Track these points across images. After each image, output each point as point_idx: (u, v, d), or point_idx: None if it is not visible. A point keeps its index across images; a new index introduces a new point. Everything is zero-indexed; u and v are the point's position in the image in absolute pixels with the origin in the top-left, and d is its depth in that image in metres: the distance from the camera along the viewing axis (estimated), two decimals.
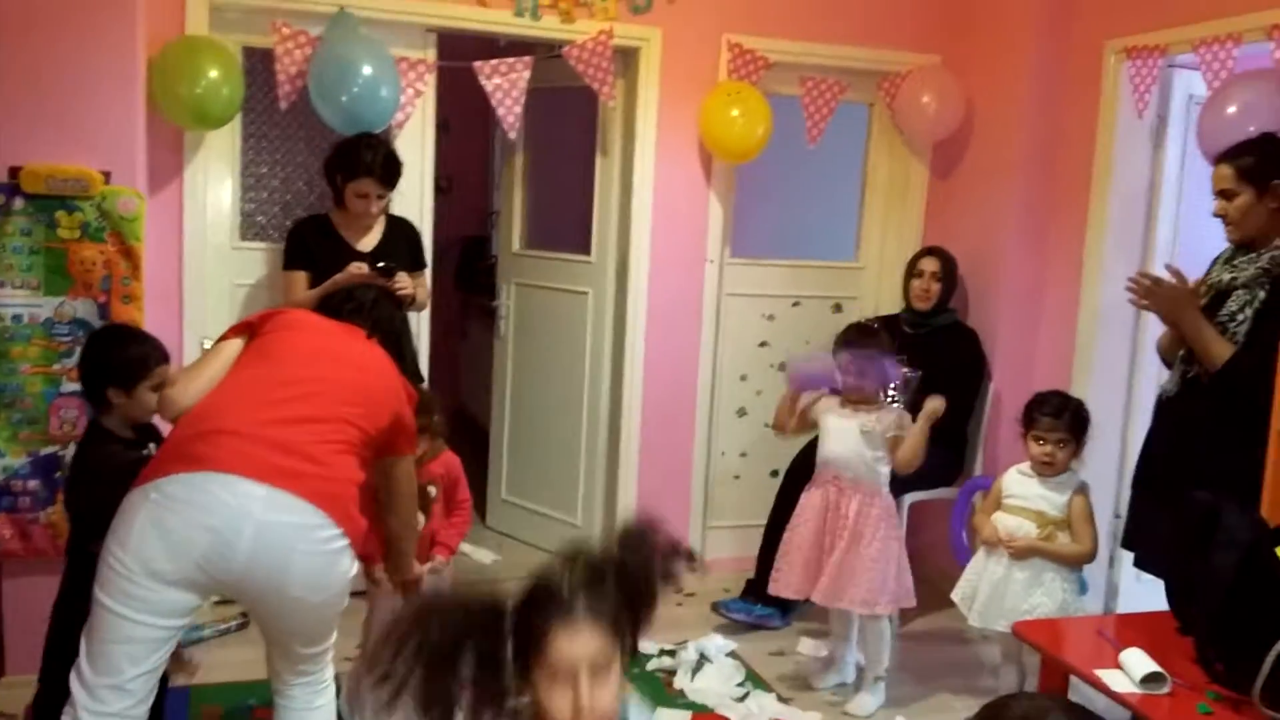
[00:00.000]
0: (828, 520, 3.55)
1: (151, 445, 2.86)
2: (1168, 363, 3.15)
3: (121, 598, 2.24)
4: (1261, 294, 2.85)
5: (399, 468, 2.76)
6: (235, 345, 2.62)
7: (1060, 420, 3.26)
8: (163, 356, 2.82)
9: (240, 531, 2.25)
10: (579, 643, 1.52)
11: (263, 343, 2.60)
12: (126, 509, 2.30)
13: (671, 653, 3.85)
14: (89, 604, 2.31)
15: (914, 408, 4.10)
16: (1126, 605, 3.97)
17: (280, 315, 2.71)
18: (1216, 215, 2.98)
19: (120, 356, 2.77)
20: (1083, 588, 3.33)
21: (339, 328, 2.74)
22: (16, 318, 3.35)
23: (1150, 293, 2.95)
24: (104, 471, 2.62)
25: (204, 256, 3.95)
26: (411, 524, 2.92)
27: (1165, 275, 2.98)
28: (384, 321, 2.86)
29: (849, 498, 3.52)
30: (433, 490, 3.22)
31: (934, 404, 3.45)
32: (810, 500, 3.62)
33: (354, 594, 2.59)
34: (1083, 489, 3.31)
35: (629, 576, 1.60)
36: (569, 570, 1.56)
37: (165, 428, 2.73)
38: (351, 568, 2.44)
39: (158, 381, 2.74)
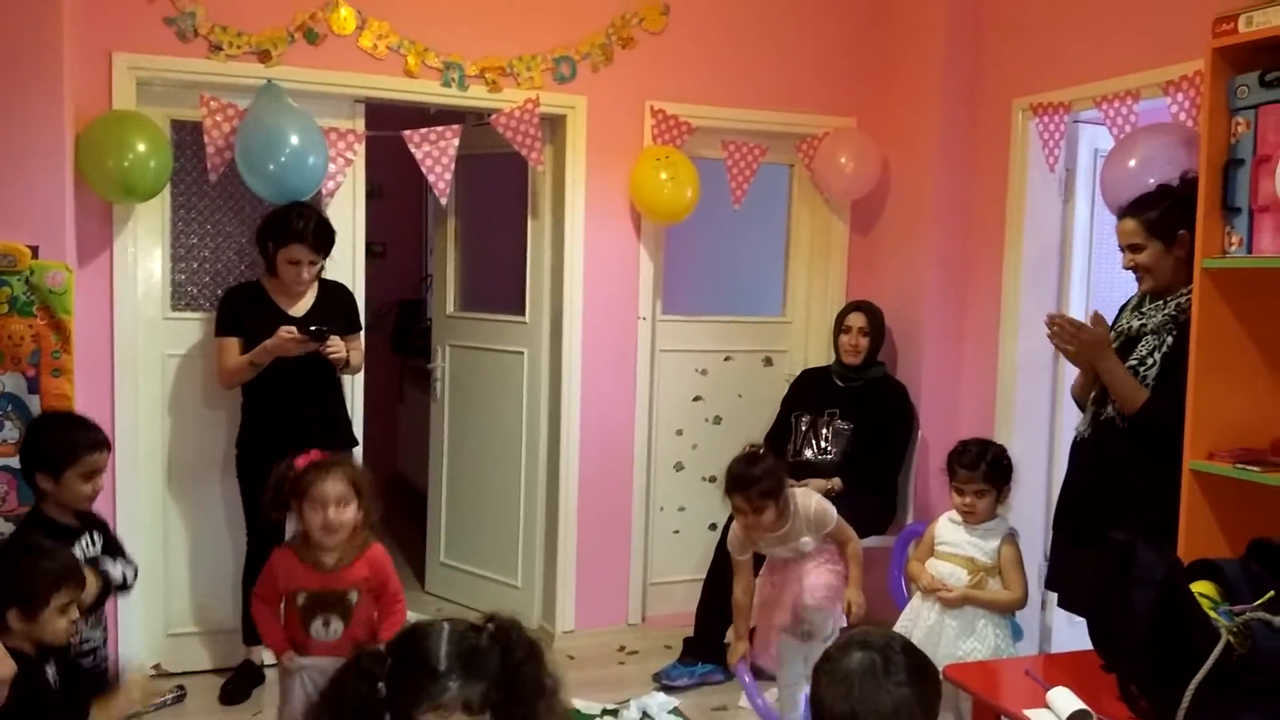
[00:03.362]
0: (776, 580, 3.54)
1: (93, 534, 2.84)
2: (1081, 405, 3.22)
3: None
4: (1169, 339, 2.94)
5: None
6: None
7: (976, 471, 3.30)
8: (94, 444, 2.80)
9: None
10: None
11: None
12: None
13: (614, 712, 3.84)
14: None
15: (846, 459, 4.19)
16: (1060, 647, 4.01)
17: None
18: (1127, 268, 3.07)
19: (48, 443, 2.78)
20: (1017, 633, 3.35)
21: None
22: None
23: (1074, 337, 3.03)
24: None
25: (135, 327, 3.93)
26: None
27: (1086, 321, 3.06)
28: None
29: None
30: (353, 597, 2.87)
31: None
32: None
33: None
34: (1011, 536, 3.34)
35: (510, 670, 1.53)
36: (447, 643, 1.50)
37: (108, 515, 2.67)
38: None
39: (88, 469, 2.74)
